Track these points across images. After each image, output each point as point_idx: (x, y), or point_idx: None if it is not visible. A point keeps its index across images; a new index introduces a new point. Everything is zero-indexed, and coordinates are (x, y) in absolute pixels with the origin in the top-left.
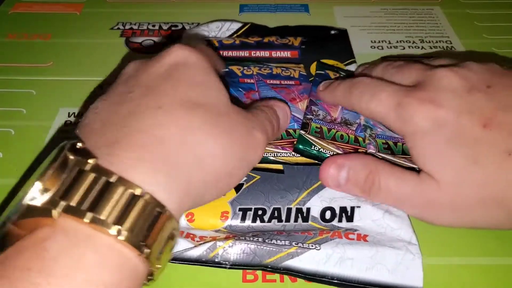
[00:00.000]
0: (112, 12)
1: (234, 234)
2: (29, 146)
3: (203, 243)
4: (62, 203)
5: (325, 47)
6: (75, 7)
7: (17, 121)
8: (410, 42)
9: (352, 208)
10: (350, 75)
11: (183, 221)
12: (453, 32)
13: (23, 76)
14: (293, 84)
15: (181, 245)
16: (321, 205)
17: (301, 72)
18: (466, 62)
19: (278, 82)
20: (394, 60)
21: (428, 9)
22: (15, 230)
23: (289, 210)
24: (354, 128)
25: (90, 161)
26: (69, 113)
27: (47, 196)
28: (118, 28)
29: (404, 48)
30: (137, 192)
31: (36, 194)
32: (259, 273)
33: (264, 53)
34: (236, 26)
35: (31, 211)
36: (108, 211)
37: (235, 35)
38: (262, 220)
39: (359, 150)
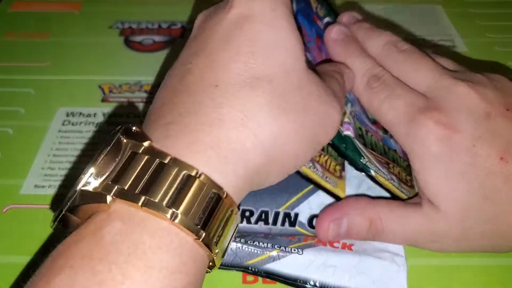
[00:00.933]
0: (111, 10)
1: None
2: (27, 146)
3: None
4: (115, 187)
5: None
6: (74, 6)
7: (15, 121)
8: (411, 41)
9: None
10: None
11: None
12: (455, 31)
13: (21, 76)
14: None
15: None
16: (310, 211)
17: None
18: (478, 76)
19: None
20: (394, 39)
21: (430, 8)
22: (73, 217)
23: (277, 214)
24: (375, 129)
25: (145, 143)
26: (67, 112)
27: (99, 181)
28: (117, 27)
29: None
30: (192, 173)
31: (90, 179)
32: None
33: None
34: None
35: (85, 197)
36: (162, 193)
37: None
38: (249, 221)
39: (390, 165)
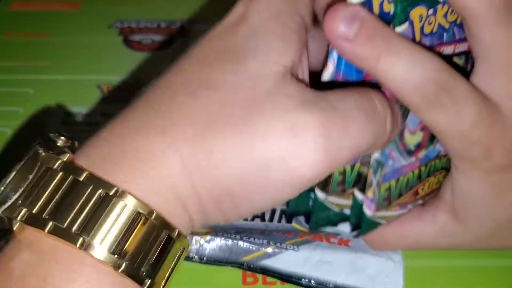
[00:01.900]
0: (110, 10)
1: (214, 230)
2: (26, 146)
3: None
4: (23, 210)
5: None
6: (73, 5)
7: (14, 121)
8: None
9: None
10: None
11: None
12: None
13: (20, 75)
14: None
15: None
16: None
17: None
18: None
19: None
20: None
21: None
22: None
23: (273, 210)
24: (413, 159)
25: (63, 157)
26: (66, 112)
27: (9, 203)
28: (116, 26)
29: None
30: (111, 191)
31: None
32: (259, 275)
33: None
34: None
35: None
36: (71, 217)
37: None
38: (245, 218)
39: (419, 190)
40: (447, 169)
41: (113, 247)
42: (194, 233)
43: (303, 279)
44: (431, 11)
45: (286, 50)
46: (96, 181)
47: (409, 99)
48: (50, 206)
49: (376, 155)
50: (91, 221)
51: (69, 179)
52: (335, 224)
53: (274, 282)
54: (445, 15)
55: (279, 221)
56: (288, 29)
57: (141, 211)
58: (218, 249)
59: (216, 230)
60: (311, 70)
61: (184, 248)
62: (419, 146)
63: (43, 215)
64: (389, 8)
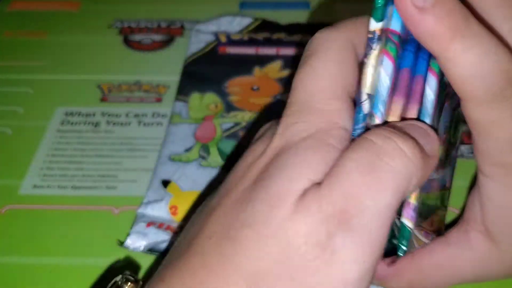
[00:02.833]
0: (110, 9)
1: None
2: (26, 146)
3: None
4: None
5: None
6: (72, 4)
7: (13, 121)
8: None
9: None
10: None
11: (166, 214)
12: None
13: (20, 75)
14: None
15: (159, 236)
16: None
17: None
18: None
19: None
20: None
21: None
22: None
23: None
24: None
25: None
26: (66, 112)
27: None
28: (116, 26)
29: None
30: None
31: None
32: None
33: (271, 50)
34: (247, 21)
35: None
36: None
37: (245, 30)
38: None
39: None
40: (445, 206)
41: None
42: None
43: None
44: None
45: (318, 165)
46: None
47: (474, 89)
48: None
49: None
50: None
51: None
52: None
53: None
54: None
55: None
56: (325, 145)
57: None
58: None
59: None
60: None
61: None
62: (440, 163)
63: None
64: None
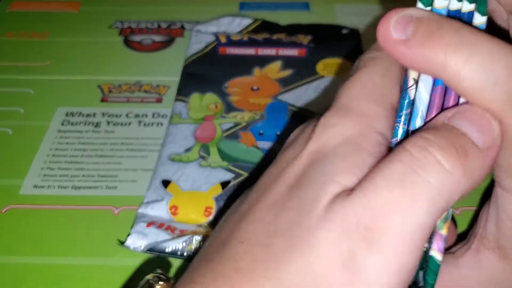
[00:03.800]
0: (110, 10)
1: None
2: (27, 146)
3: (181, 236)
4: None
5: (334, 46)
6: (73, 5)
7: (14, 121)
8: None
9: None
10: None
11: (166, 214)
12: None
13: (20, 75)
14: None
15: (159, 236)
16: None
17: None
18: None
19: None
20: None
21: None
22: None
23: None
24: None
25: None
26: (67, 112)
27: None
28: (117, 27)
29: None
30: None
31: None
32: None
33: (271, 51)
34: (247, 22)
35: None
36: None
37: (245, 31)
38: None
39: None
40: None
41: None
42: (195, 233)
43: None
44: None
45: (351, 169)
46: None
47: (490, 100)
48: None
49: None
50: None
51: None
52: None
53: None
54: None
55: None
56: (360, 149)
57: None
58: None
59: None
60: None
61: None
62: None
63: None
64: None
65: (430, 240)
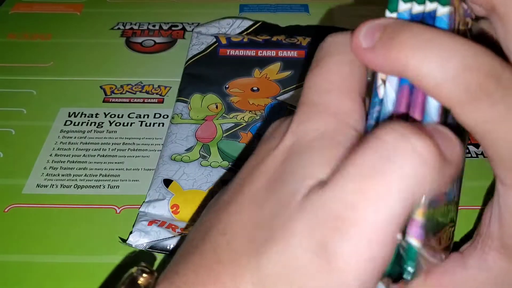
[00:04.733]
0: (112, 12)
1: None
2: (30, 146)
3: (182, 234)
4: None
5: None
6: (76, 7)
7: (17, 121)
8: None
9: None
10: None
11: (168, 212)
12: None
13: (23, 76)
14: None
15: (161, 235)
16: None
17: None
18: None
19: None
20: None
21: None
22: None
23: None
24: None
25: None
26: (69, 113)
27: None
28: (119, 28)
29: None
30: None
31: None
32: None
33: (271, 52)
34: (247, 23)
35: None
36: None
37: (245, 32)
38: None
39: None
40: (454, 222)
41: None
42: None
43: None
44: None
45: (327, 163)
46: None
47: (450, 95)
48: None
49: None
50: None
51: None
52: None
53: None
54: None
55: None
56: (335, 143)
57: None
58: None
59: None
60: None
61: None
62: None
63: None
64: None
65: (405, 229)
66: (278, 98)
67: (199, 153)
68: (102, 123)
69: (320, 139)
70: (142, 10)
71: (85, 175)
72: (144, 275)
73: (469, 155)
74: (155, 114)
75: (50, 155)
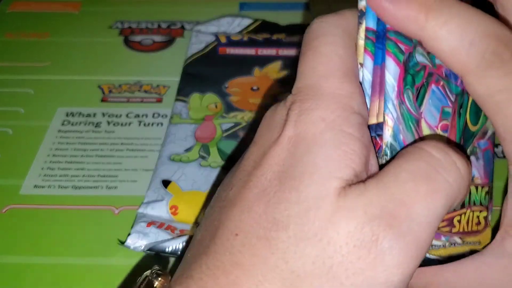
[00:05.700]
0: (111, 10)
1: None
2: (27, 146)
3: (181, 236)
4: None
5: None
6: (73, 5)
7: (14, 121)
8: None
9: None
10: None
11: (166, 214)
12: None
13: (21, 76)
14: None
15: (160, 236)
16: None
17: None
18: None
19: None
20: None
21: None
22: None
23: None
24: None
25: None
26: (67, 112)
27: None
28: (117, 27)
29: None
30: None
31: None
32: None
33: (271, 51)
34: (247, 22)
35: None
36: None
37: (245, 31)
38: None
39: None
40: (487, 207)
41: None
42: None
43: None
44: None
45: (345, 161)
46: None
47: (465, 61)
48: None
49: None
50: None
51: None
52: None
53: None
54: None
55: None
56: (346, 136)
57: None
58: None
59: None
60: None
61: None
62: None
63: None
64: None
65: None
66: (278, 97)
67: (199, 154)
68: (100, 123)
69: (328, 130)
70: (140, 9)
71: (83, 175)
72: (159, 278)
73: None
74: (153, 113)
75: (48, 155)
